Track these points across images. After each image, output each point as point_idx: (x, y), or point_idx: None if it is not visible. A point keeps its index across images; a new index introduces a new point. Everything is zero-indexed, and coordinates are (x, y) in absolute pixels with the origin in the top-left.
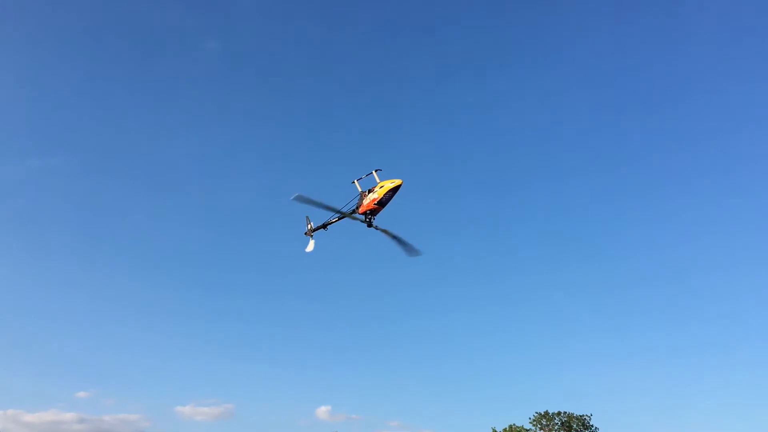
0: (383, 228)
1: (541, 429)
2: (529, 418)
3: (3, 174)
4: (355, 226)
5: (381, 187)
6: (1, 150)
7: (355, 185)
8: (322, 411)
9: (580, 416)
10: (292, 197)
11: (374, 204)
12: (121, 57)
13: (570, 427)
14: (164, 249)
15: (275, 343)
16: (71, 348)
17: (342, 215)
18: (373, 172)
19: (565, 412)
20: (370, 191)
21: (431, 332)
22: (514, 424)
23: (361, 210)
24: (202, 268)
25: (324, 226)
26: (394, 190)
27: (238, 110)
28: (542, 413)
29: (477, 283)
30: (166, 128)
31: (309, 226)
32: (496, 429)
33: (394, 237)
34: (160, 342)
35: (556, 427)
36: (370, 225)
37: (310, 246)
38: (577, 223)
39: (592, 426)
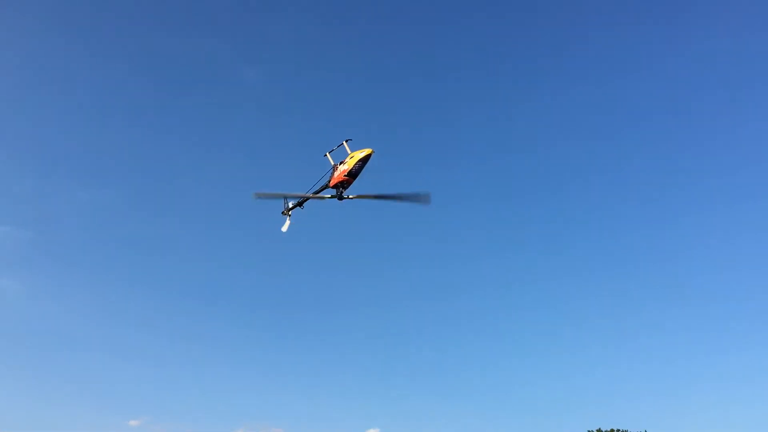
0: (356, 195)
1: None
2: None
3: (54, 206)
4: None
5: (351, 157)
6: (52, 182)
7: (327, 158)
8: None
9: None
10: (252, 195)
11: (344, 176)
12: (166, 88)
13: None
14: (213, 281)
15: (325, 365)
16: (123, 376)
17: (312, 196)
18: (344, 142)
19: (618, 430)
20: (341, 163)
21: (482, 354)
22: None
23: (332, 183)
24: (249, 300)
25: (300, 204)
26: (365, 160)
27: (281, 139)
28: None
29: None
30: (210, 160)
31: (286, 205)
32: None
33: (380, 196)
34: (209, 369)
35: None
36: (341, 198)
37: (286, 226)
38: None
39: None
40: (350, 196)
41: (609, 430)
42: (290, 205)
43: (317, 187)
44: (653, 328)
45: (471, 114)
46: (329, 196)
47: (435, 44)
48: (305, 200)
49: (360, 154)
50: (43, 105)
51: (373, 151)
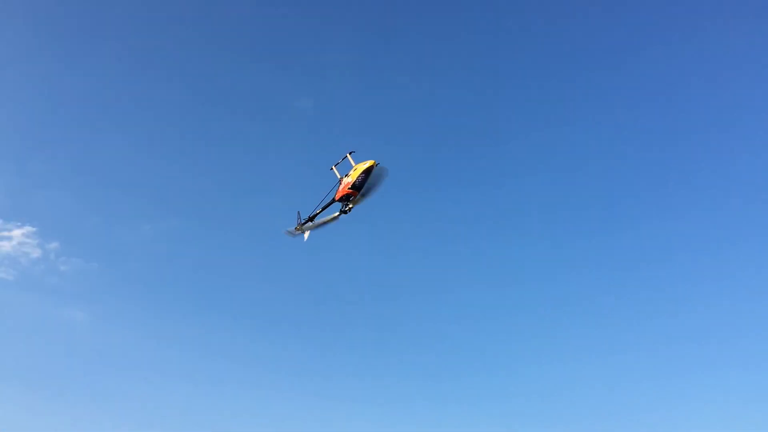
0: (354, 202)
1: None
2: None
3: (120, 239)
4: None
5: (355, 170)
6: (118, 215)
7: (334, 172)
8: None
9: None
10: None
11: (348, 189)
12: (224, 119)
13: None
14: (277, 307)
15: (386, 395)
16: (187, 400)
17: (322, 221)
18: (348, 155)
19: None
20: (346, 176)
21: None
22: None
23: (337, 196)
24: (309, 324)
25: (310, 219)
26: (368, 172)
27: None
28: None
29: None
30: (270, 190)
31: (299, 220)
32: None
33: (364, 193)
34: (267, 395)
35: None
36: (346, 212)
37: (306, 235)
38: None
39: None
40: (350, 207)
41: None
42: (302, 221)
43: (325, 203)
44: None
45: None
46: (337, 213)
47: (491, 72)
48: (315, 216)
49: (363, 166)
50: (107, 138)
51: (375, 163)
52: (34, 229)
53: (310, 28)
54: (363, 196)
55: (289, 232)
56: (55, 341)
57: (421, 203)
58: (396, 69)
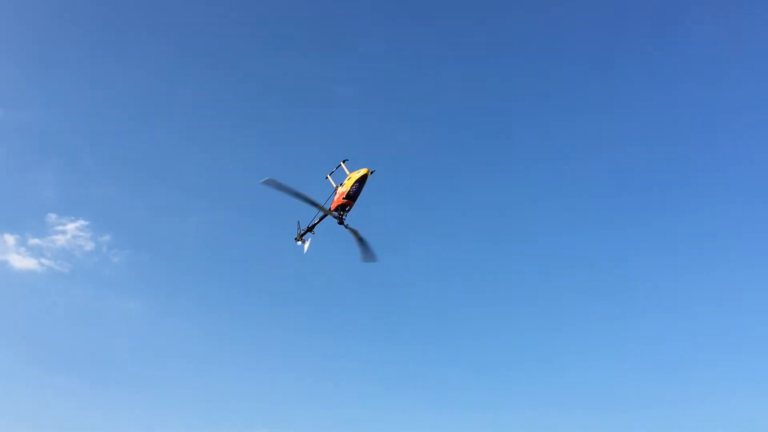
0: (353, 228)
1: None
2: None
3: (168, 229)
4: None
5: (349, 179)
6: (166, 208)
7: (329, 180)
8: None
9: None
10: (262, 181)
11: (343, 198)
12: (267, 109)
13: None
14: (325, 296)
15: (446, 384)
16: (239, 389)
17: (318, 210)
18: (341, 163)
19: None
20: (341, 185)
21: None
22: None
23: (332, 206)
24: (374, 317)
25: (310, 229)
26: (361, 181)
27: (376, 156)
28: None
29: None
30: (313, 180)
31: (299, 232)
32: None
33: (360, 239)
34: (329, 387)
35: None
36: (341, 222)
37: (306, 246)
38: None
39: None
40: (348, 226)
41: None
42: (301, 231)
43: (322, 213)
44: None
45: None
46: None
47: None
48: (314, 226)
49: (356, 175)
50: (155, 133)
51: (369, 171)
52: (87, 222)
53: (351, 13)
54: (362, 243)
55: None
56: (110, 331)
57: (462, 192)
58: (439, 56)
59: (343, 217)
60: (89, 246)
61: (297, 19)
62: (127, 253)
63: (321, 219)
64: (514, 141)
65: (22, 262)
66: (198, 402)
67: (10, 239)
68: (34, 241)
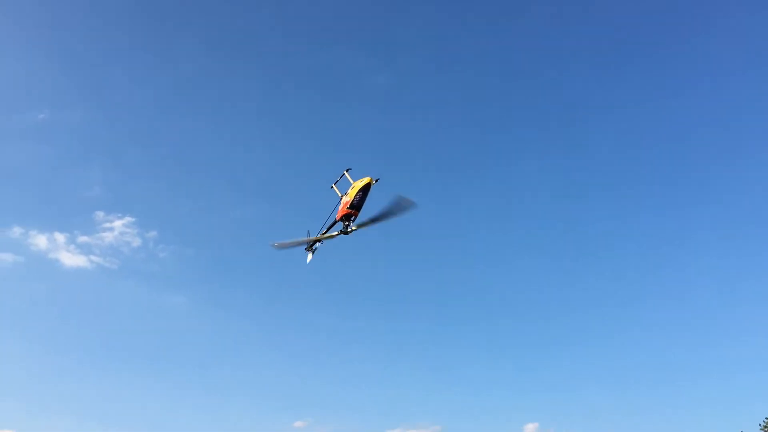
0: (358, 224)
1: None
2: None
3: (212, 224)
4: None
5: (352, 188)
6: (210, 202)
7: (334, 190)
8: (531, 429)
9: None
10: (271, 245)
11: (347, 208)
12: (306, 103)
13: None
14: (364, 286)
15: (481, 363)
16: (287, 379)
17: (322, 237)
18: (345, 172)
19: None
20: (345, 194)
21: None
22: None
23: (338, 216)
24: (407, 298)
25: (318, 240)
26: (365, 190)
27: (412, 143)
28: None
29: None
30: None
31: (308, 240)
32: None
33: (376, 219)
34: (368, 369)
35: None
36: (347, 233)
37: (309, 257)
38: None
39: None
40: (353, 228)
41: None
42: (311, 241)
43: (329, 222)
44: None
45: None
46: (336, 233)
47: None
48: (322, 236)
49: (360, 184)
50: (197, 129)
51: (372, 180)
52: (134, 219)
53: (386, 2)
54: (374, 221)
55: (308, 249)
56: (159, 325)
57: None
58: (471, 44)
59: (349, 227)
60: (136, 242)
61: (332, 5)
62: (174, 248)
63: (330, 228)
64: (553, 132)
65: (72, 259)
66: (245, 391)
67: (60, 237)
68: (83, 239)
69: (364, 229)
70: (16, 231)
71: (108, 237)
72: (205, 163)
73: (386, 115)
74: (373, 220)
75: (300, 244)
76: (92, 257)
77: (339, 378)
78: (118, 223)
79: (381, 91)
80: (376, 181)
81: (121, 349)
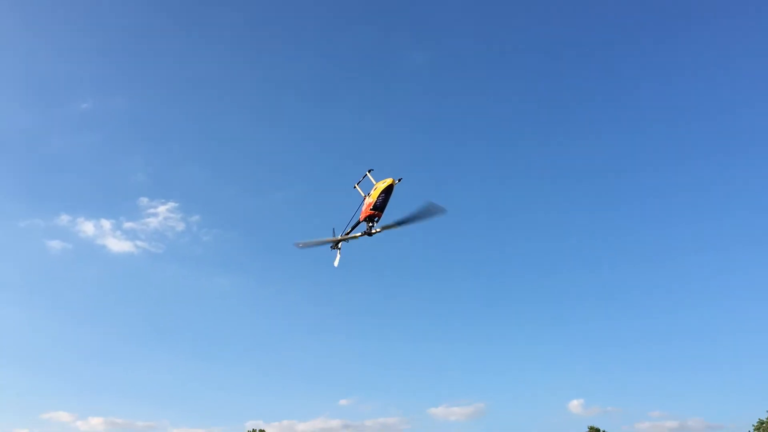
0: (382, 226)
1: None
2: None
3: (254, 207)
4: None
5: (375, 189)
6: (250, 186)
7: (357, 190)
8: (575, 405)
9: None
10: (295, 244)
11: (370, 209)
12: (342, 83)
13: None
14: (402, 265)
15: (522, 340)
16: (333, 360)
17: (345, 237)
18: (367, 173)
19: None
20: (368, 195)
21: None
22: None
23: (362, 217)
24: (453, 275)
25: (343, 238)
26: (387, 191)
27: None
28: None
29: None
30: (389, 152)
31: (333, 238)
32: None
33: (401, 223)
34: (411, 348)
35: None
36: (370, 234)
37: (336, 260)
38: None
39: None
40: (376, 230)
41: None
42: (337, 240)
43: (352, 223)
44: None
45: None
46: (359, 234)
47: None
48: (347, 235)
49: (382, 185)
50: (235, 115)
51: (395, 181)
52: (177, 204)
53: None
54: (400, 224)
55: (333, 247)
56: (205, 307)
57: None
58: (512, 22)
59: (372, 228)
60: (180, 226)
61: None
62: (217, 232)
63: (354, 227)
64: (579, 114)
65: (118, 245)
66: (291, 370)
67: (106, 224)
68: (128, 225)
69: (388, 231)
70: (64, 218)
71: (152, 222)
72: (245, 147)
73: (426, 96)
74: (399, 224)
75: (323, 243)
76: (138, 242)
77: (383, 357)
78: (161, 209)
79: (420, 71)
80: (399, 181)
81: (168, 331)
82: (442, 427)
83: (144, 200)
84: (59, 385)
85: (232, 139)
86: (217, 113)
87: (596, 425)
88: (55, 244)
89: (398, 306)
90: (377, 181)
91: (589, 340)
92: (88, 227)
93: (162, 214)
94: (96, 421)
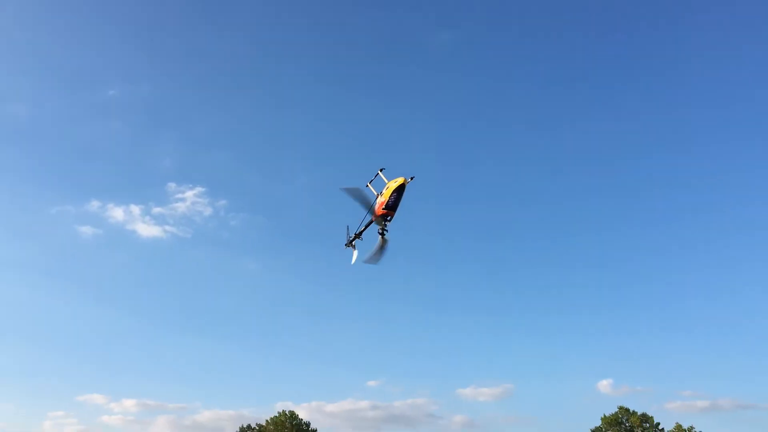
0: (386, 239)
1: None
2: None
3: (279, 191)
4: None
5: (387, 188)
6: (276, 170)
7: (370, 189)
8: (604, 385)
9: None
10: (342, 188)
11: (383, 209)
12: (366, 67)
13: None
14: (425, 248)
15: (551, 320)
16: (360, 342)
17: (367, 216)
18: (379, 172)
19: None
20: (380, 194)
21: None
22: None
23: (373, 217)
24: (476, 260)
25: (358, 235)
26: (399, 191)
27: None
28: None
29: None
30: (414, 126)
31: (348, 238)
32: None
33: (382, 248)
34: (439, 330)
35: None
36: (382, 233)
37: (354, 257)
38: None
39: None
40: (384, 236)
41: None
42: (350, 237)
43: (365, 222)
44: None
45: None
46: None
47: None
48: (361, 232)
49: (394, 185)
50: (260, 101)
51: (406, 180)
52: (204, 189)
53: None
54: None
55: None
56: (234, 291)
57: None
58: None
59: (386, 227)
60: (208, 211)
61: None
62: (244, 216)
63: (367, 226)
64: (613, 95)
65: (147, 230)
66: (321, 352)
67: (135, 209)
68: (157, 210)
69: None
70: (94, 204)
71: (180, 207)
72: (270, 132)
73: (450, 75)
74: (381, 252)
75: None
76: (166, 227)
77: (411, 339)
78: (189, 194)
79: (444, 49)
80: (411, 179)
81: (197, 315)
82: (470, 407)
83: (172, 185)
84: (93, 368)
85: (256, 124)
86: (241, 99)
87: (625, 405)
88: (86, 230)
89: (426, 290)
90: (389, 179)
91: (619, 320)
92: (117, 213)
93: (189, 198)
94: (129, 402)
